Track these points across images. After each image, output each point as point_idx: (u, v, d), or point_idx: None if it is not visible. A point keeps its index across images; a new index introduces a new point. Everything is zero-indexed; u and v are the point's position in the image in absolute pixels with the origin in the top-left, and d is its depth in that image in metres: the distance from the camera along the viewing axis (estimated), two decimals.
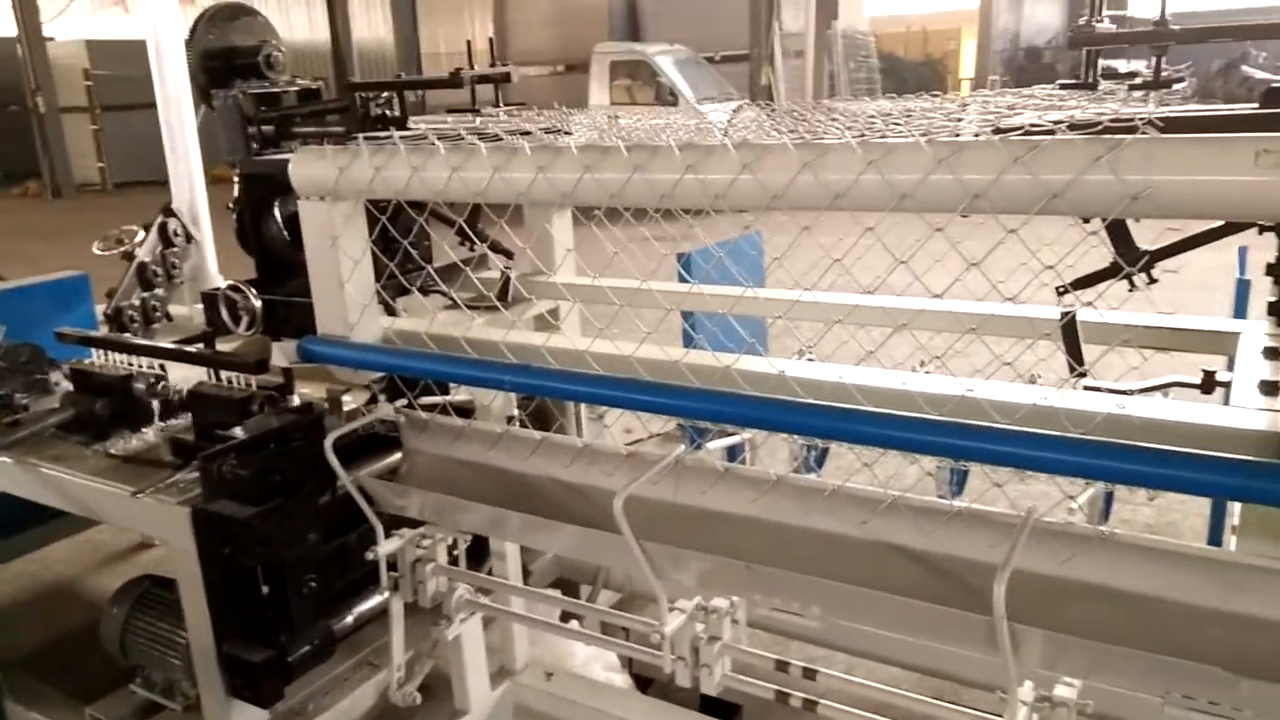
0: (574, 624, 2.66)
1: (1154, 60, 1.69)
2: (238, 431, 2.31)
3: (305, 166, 2.28)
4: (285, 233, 2.82)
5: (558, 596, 2.35)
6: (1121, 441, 1.44)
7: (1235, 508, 2.62)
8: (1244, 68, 21.45)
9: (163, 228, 3.59)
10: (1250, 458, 1.41)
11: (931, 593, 1.69)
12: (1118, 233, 1.82)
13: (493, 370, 2.07)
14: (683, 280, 3.76)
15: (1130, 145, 1.40)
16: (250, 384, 2.62)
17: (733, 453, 3.34)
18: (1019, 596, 1.51)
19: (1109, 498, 2.54)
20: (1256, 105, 1.75)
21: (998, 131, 1.55)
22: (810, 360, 3.33)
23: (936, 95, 2.35)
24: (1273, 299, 1.75)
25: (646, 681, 2.76)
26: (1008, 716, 1.57)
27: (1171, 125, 1.48)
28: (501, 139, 2.13)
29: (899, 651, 2.33)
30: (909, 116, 1.94)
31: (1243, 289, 2.93)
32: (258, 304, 2.68)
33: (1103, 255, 1.88)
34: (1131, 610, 1.57)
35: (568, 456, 2.13)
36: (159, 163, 4.10)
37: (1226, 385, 1.83)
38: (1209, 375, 1.84)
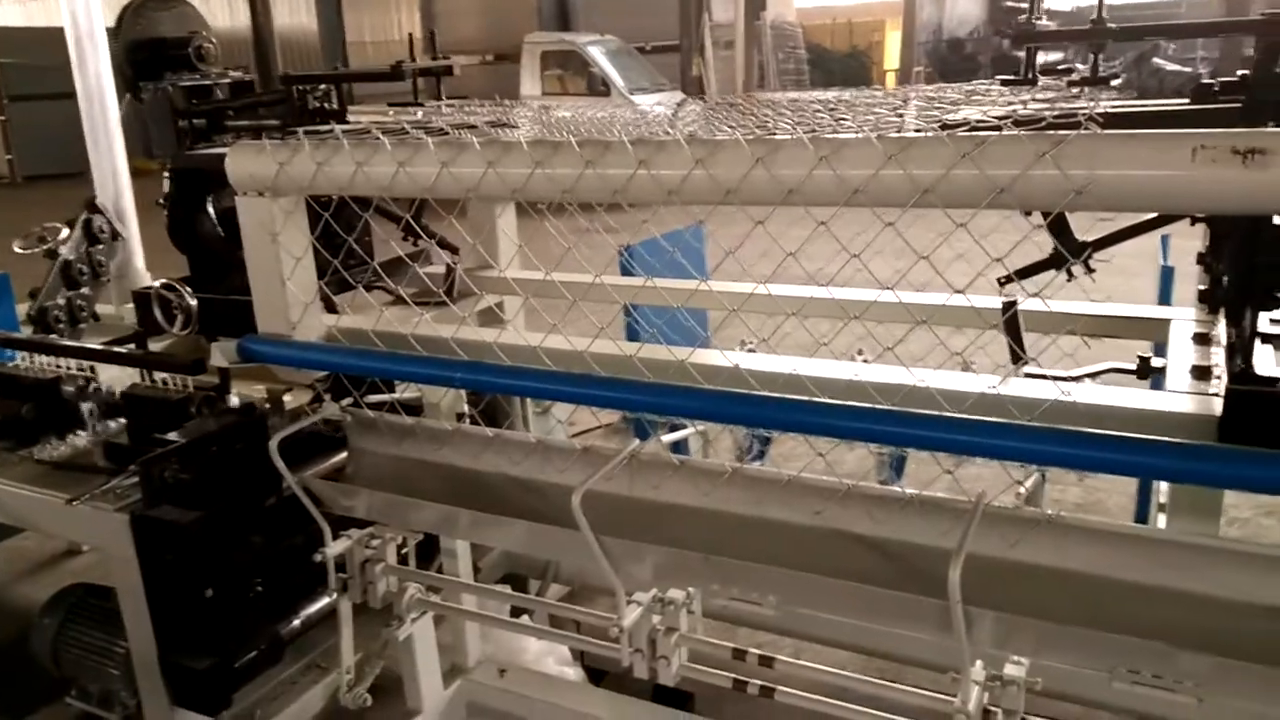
0: (526, 619, 2.66)
1: (1091, 57, 1.75)
2: (177, 435, 2.24)
3: (243, 162, 2.22)
4: (220, 229, 2.74)
5: (512, 593, 2.34)
6: (1068, 428, 1.48)
7: (1162, 486, 2.73)
8: (1155, 60, 22.30)
9: (87, 224, 3.46)
10: (1190, 441, 1.47)
11: (885, 578, 1.73)
12: (1057, 225, 1.87)
13: (442, 367, 2.05)
14: (626, 273, 3.78)
15: (1074, 141, 1.44)
16: (187, 385, 2.55)
17: (678, 445, 3.37)
18: (970, 579, 1.55)
19: (1041, 479, 2.63)
20: (1182, 99, 1.82)
21: (944, 127, 1.58)
22: (752, 351, 3.37)
23: (878, 89, 2.39)
24: (1203, 287, 1.83)
25: (600, 674, 2.76)
26: (961, 696, 1.62)
27: (1110, 121, 1.53)
28: (448, 133, 2.11)
29: (851, 635, 2.38)
30: (854, 111, 1.97)
31: (1167, 276, 3.04)
32: (193, 302, 2.61)
33: (1039, 246, 1.94)
34: (1077, 589, 1.63)
35: (520, 453, 2.13)
36: (71, 155, 3.95)
37: (1160, 370, 1.90)
38: (1144, 361, 1.91)
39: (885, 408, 1.64)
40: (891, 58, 26.55)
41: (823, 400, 1.70)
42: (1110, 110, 1.60)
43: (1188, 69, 20.86)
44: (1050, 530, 1.64)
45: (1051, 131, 1.48)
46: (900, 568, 1.73)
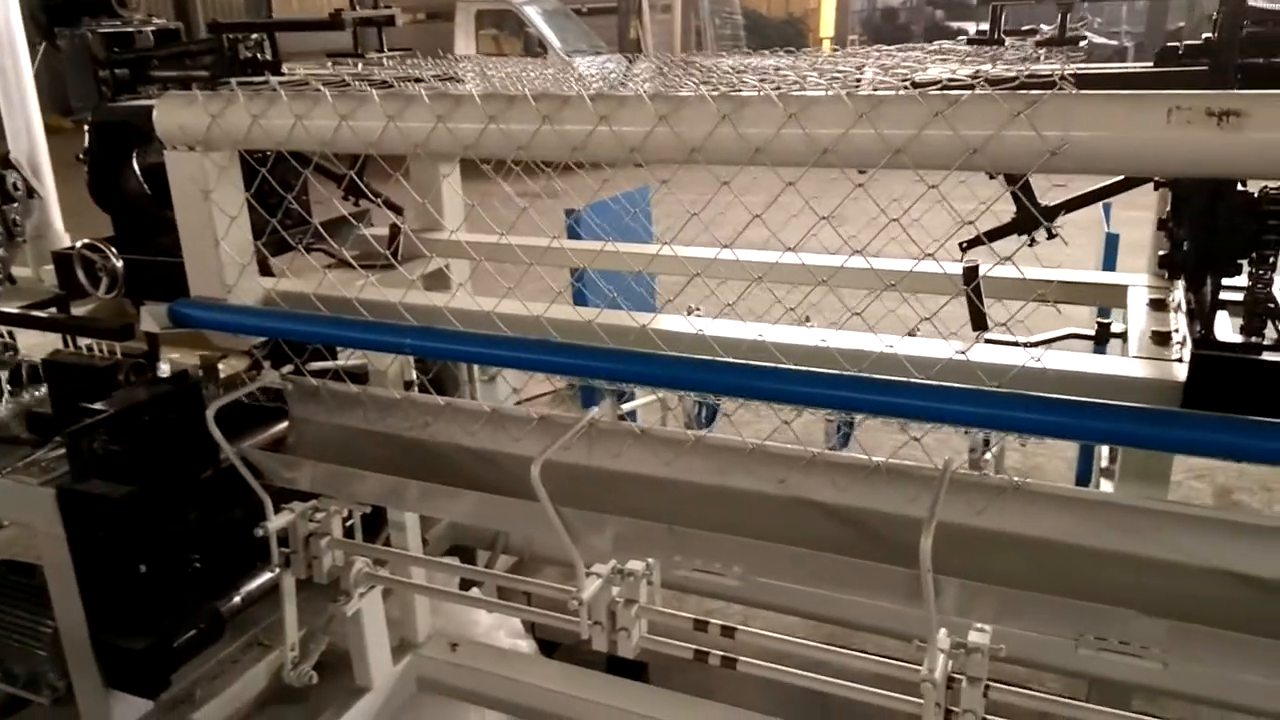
0: (478, 591, 2.60)
1: (1060, 17, 1.72)
2: (105, 404, 2.12)
3: (172, 114, 2.09)
4: (147, 186, 2.59)
5: (464, 566, 2.28)
6: (1040, 394, 1.47)
7: (1103, 451, 2.77)
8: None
9: (0, 181, 3.25)
10: (1158, 406, 1.47)
11: (851, 547, 1.71)
12: (1021, 189, 1.85)
13: (391, 333, 1.96)
14: (572, 236, 3.70)
15: (1049, 101, 1.41)
16: (114, 352, 2.42)
17: (631, 414, 3.32)
18: (936, 546, 1.54)
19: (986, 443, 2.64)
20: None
21: (915, 86, 1.54)
22: (696, 315, 3.32)
23: (837, 49, 2.34)
24: (1163, 252, 1.83)
25: (552, 645, 2.72)
26: (927, 664, 1.61)
27: (1081, 83, 1.50)
28: (392, 86, 2.01)
29: (814, 604, 2.36)
30: (818, 71, 1.92)
31: (1112, 243, 3.07)
32: (119, 264, 2.46)
33: (995, 215, 1.92)
34: (1042, 555, 1.62)
35: (473, 422, 2.05)
36: None
37: (1119, 336, 1.90)
38: (1103, 327, 1.91)
39: (853, 373, 1.60)
40: (827, 25, 26.54)
41: (788, 367, 1.66)
42: (1076, 72, 1.57)
43: (1113, 42, 21.31)
44: (1016, 497, 1.63)
45: (1026, 91, 1.45)
46: (866, 536, 1.71)
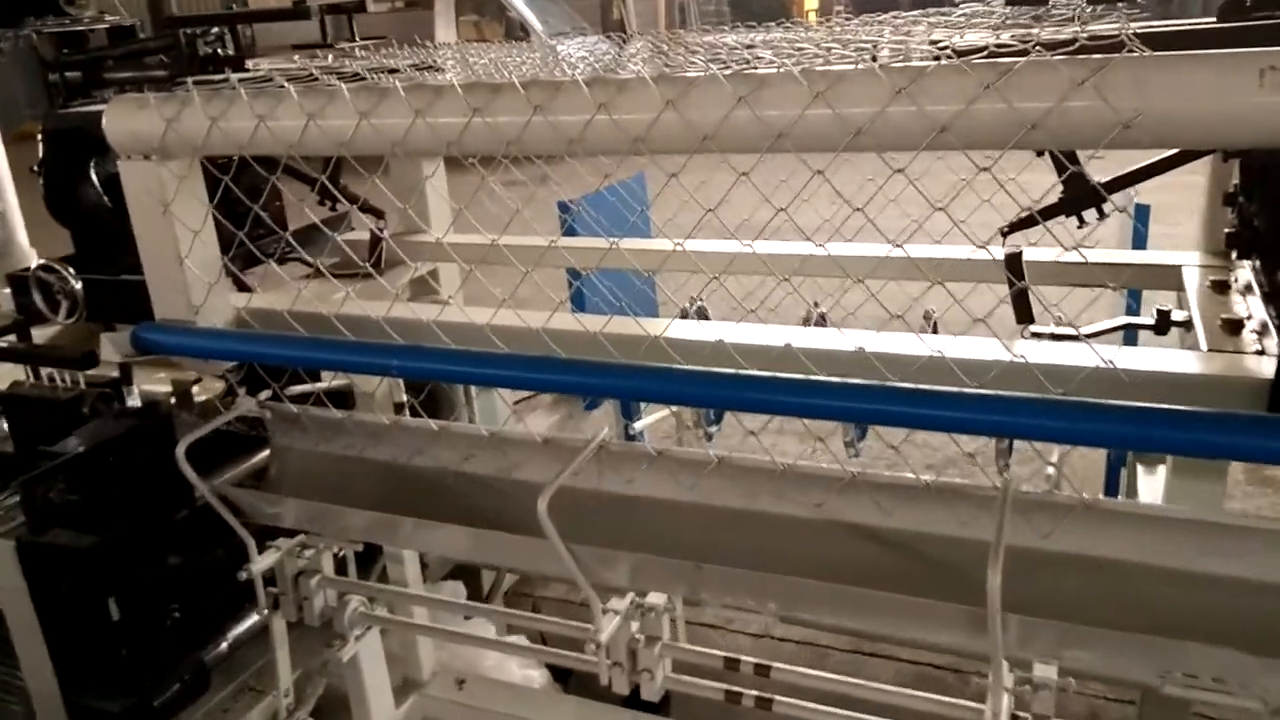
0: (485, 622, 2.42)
1: None
2: (69, 443, 1.93)
3: (123, 119, 1.89)
4: (107, 199, 2.39)
5: (469, 604, 2.09)
6: (1127, 403, 1.28)
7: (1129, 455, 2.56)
8: None
9: None
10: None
11: (899, 575, 1.54)
12: (1067, 167, 1.66)
13: (376, 354, 1.77)
14: (567, 231, 3.49)
15: (1118, 66, 1.22)
16: (78, 382, 2.23)
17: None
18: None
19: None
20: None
21: (959, 54, 1.34)
22: (702, 308, 3.14)
23: (849, 17, 2.14)
24: (1230, 230, 1.64)
25: (566, 673, 2.55)
26: (991, 705, 1.43)
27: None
28: (364, 78, 1.81)
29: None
30: (839, 43, 1.72)
31: (1142, 216, 2.86)
32: (78, 285, 2.27)
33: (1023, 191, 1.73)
34: (1119, 579, 1.44)
35: (471, 447, 1.86)
36: None
37: (1182, 325, 1.72)
38: (1163, 315, 1.72)
39: (901, 385, 1.41)
40: None
41: (823, 379, 1.46)
42: (1139, 31, 1.37)
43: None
44: (1086, 516, 1.44)
45: (1089, 56, 1.25)
46: (917, 562, 1.53)
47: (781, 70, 1.41)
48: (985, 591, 1.36)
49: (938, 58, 1.35)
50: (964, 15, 1.76)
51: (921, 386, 1.38)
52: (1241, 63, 1.18)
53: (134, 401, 2.21)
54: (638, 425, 2.17)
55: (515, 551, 1.71)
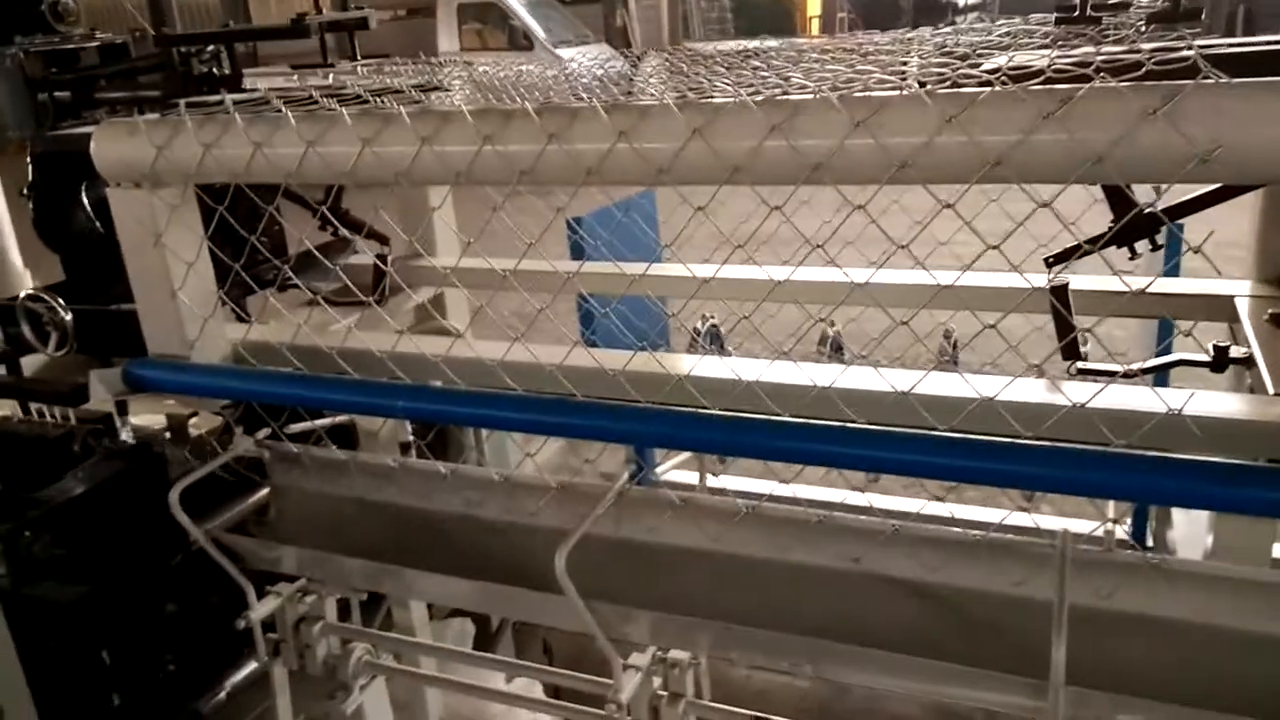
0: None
1: None
2: (56, 489, 1.82)
3: (112, 145, 1.79)
4: (99, 224, 2.29)
5: (480, 655, 1.98)
6: (1202, 459, 1.17)
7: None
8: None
9: None
10: None
11: (946, 635, 1.43)
12: (1117, 193, 1.56)
13: (381, 394, 1.66)
14: (575, 248, 3.39)
15: (1192, 95, 1.11)
16: (69, 418, 2.12)
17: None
18: (1045, 631, 1.25)
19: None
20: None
21: (1015, 78, 1.24)
22: (715, 328, 3.02)
23: (873, 35, 2.04)
24: None
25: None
26: None
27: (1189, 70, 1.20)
28: (367, 101, 1.71)
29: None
30: (874, 60, 1.62)
31: (1174, 244, 2.73)
32: (68, 316, 2.16)
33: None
34: (1188, 643, 1.33)
35: (482, 491, 1.76)
36: None
37: (1241, 362, 1.61)
38: (1221, 351, 1.61)
39: (952, 435, 1.30)
40: (814, 4, 26.11)
41: (860, 426, 1.36)
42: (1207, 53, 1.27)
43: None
44: (1151, 575, 1.33)
45: (1159, 83, 1.15)
46: (965, 622, 1.42)
47: (818, 96, 1.30)
48: (1032, 651, 1.26)
49: (989, 83, 1.24)
50: (1008, 33, 1.65)
51: (970, 437, 1.28)
52: None
53: (127, 436, 2.11)
54: (659, 472, 2.06)
55: (531, 606, 1.60)
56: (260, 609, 1.87)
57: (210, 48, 2.17)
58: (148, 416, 2.25)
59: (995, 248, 1.29)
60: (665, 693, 1.63)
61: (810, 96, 1.31)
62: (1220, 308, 1.81)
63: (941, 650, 1.34)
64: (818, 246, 1.41)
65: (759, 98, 1.34)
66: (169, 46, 2.09)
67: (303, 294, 2.36)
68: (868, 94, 1.30)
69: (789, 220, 1.42)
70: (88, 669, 1.79)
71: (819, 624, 1.45)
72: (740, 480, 2.48)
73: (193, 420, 2.24)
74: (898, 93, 1.27)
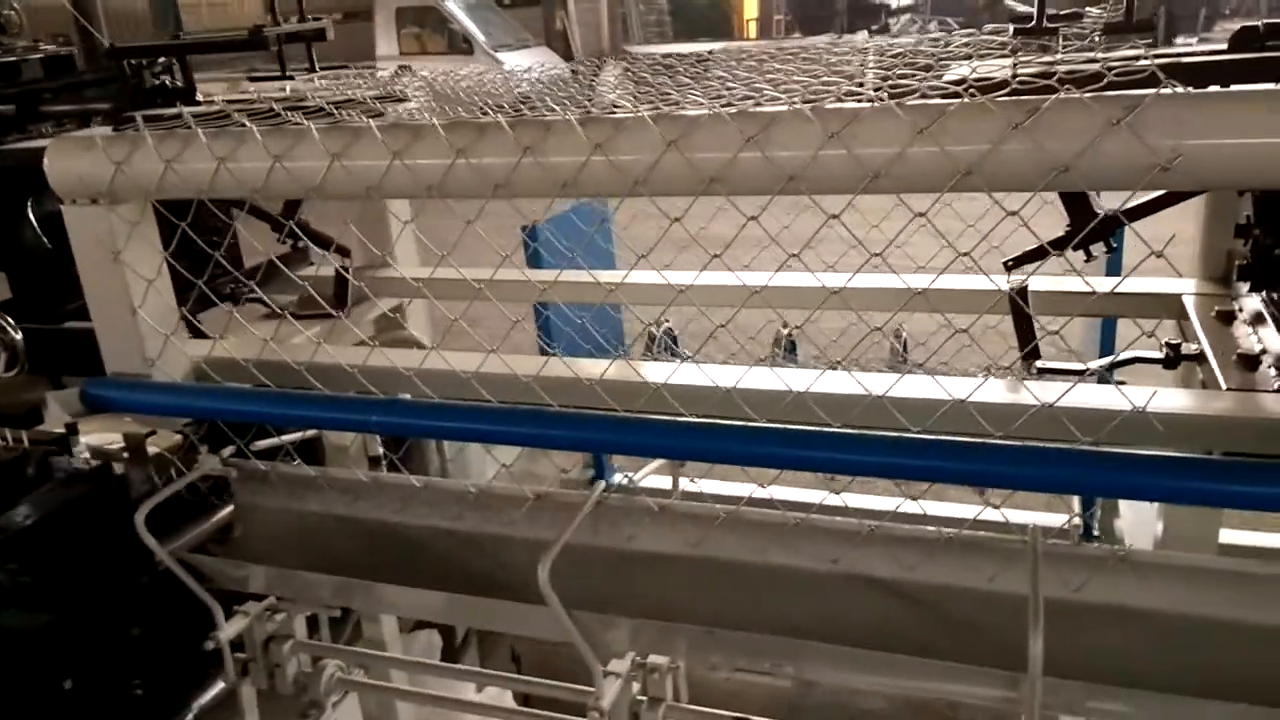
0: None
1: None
2: (12, 517, 1.77)
3: (66, 161, 1.75)
4: (48, 241, 2.24)
5: (454, 667, 1.97)
6: (1171, 455, 1.22)
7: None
8: (1007, 1, 22.84)
9: None
10: None
11: (923, 632, 1.46)
12: (1075, 198, 1.61)
13: (354, 409, 1.65)
14: (530, 254, 3.39)
15: (1153, 105, 1.16)
16: (21, 440, 2.06)
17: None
18: (1018, 625, 1.29)
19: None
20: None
21: (982, 89, 1.27)
22: (670, 333, 3.04)
23: (827, 40, 2.08)
24: (1243, 261, 1.60)
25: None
26: None
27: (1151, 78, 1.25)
28: (333, 114, 1.70)
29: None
30: (833, 69, 1.65)
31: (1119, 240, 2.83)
32: (18, 336, 2.11)
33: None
34: (1154, 631, 1.38)
35: (458, 505, 1.75)
36: None
37: (1193, 359, 1.67)
38: (1173, 348, 1.68)
39: (926, 437, 1.34)
40: (751, 6, 26.37)
41: (838, 430, 1.39)
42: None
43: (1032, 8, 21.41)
44: (1119, 568, 1.38)
45: (1120, 94, 1.19)
46: (941, 619, 1.46)
47: (792, 108, 1.33)
48: (1009, 645, 1.30)
49: (957, 94, 1.28)
50: (966, 44, 1.69)
51: (945, 439, 1.31)
52: None
53: (83, 454, 2.05)
54: (638, 478, 2.06)
55: (509, 617, 1.60)
56: (229, 629, 1.84)
57: (161, 60, 2.13)
58: (98, 436, 2.20)
59: (967, 254, 1.32)
60: (645, 698, 1.65)
61: (784, 109, 1.34)
62: (1170, 306, 1.88)
63: (919, 646, 1.38)
64: (794, 255, 1.44)
65: (732, 110, 1.36)
66: (120, 59, 2.04)
67: (259, 308, 2.34)
68: (840, 106, 1.33)
69: (754, 219, 1.43)
70: (51, 698, 1.74)
71: (800, 624, 1.48)
72: (716, 484, 2.50)
73: (150, 440, 2.19)
74: (870, 104, 1.30)
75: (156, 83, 2.11)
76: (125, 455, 2.07)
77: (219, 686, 2.05)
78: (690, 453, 1.50)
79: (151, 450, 2.12)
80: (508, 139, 1.44)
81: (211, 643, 1.83)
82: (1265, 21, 1.46)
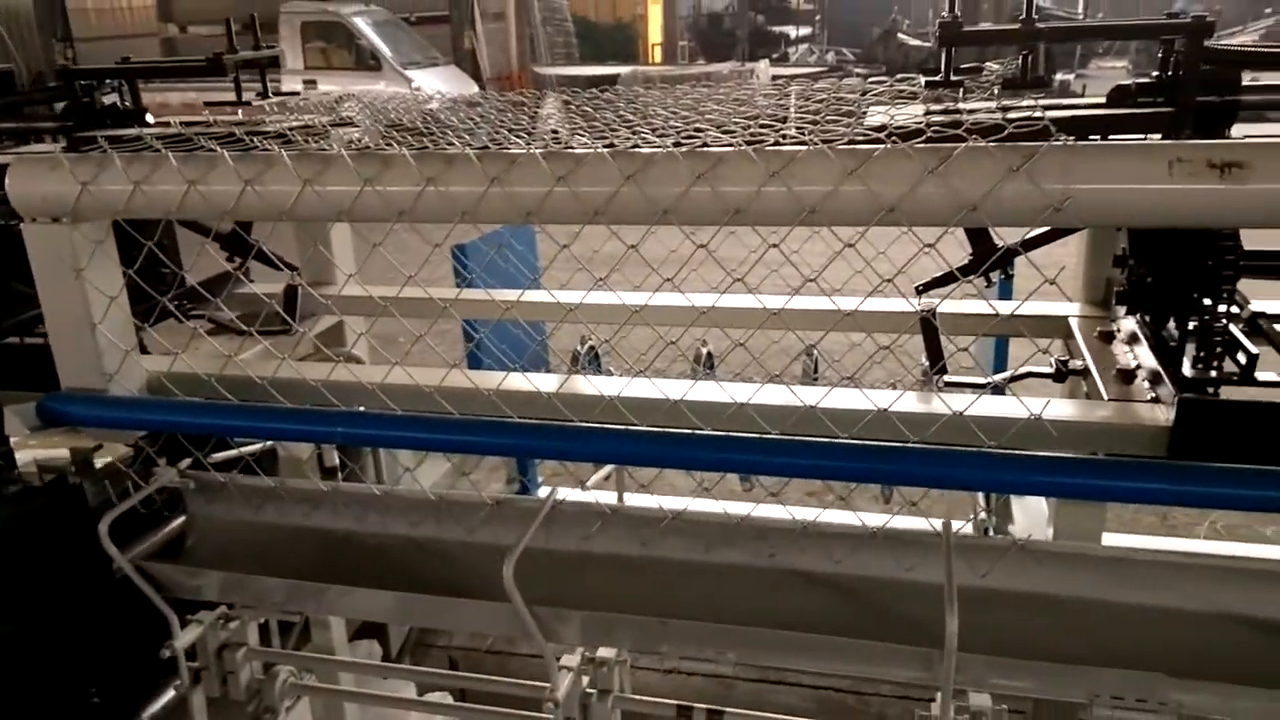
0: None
1: (1023, 58, 1.68)
2: None
3: (30, 181, 1.78)
4: None
5: (411, 669, 2.06)
6: (1043, 454, 1.42)
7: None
8: (900, 35, 23.84)
9: None
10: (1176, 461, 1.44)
11: (852, 619, 1.63)
12: (978, 231, 1.81)
13: (319, 421, 1.73)
14: (459, 274, 3.48)
15: (1047, 154, 1.36)
16: None
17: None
18: (933, 610, 1.47)
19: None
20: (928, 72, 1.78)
21: (907, 136, 1.46)
22: (594, 350, 3.18)
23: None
24: (1120, 288, 1.83)
25: None
26: None
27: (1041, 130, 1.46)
28: (293, 140, 1.79)
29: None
30: (756, 111, 1.82)
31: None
32: None
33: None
34: (1050, 612, 1.58)
35: (416, 512, 1.85)
36: None
37: (1078, 373, 1.89)
38: (1062, 364, 1.90)
39: (850, 441, 1.51)
40: (655, 31, 26.82)
41: (779, 438, 1.55)
42: (1059, 115, 1.53)
43: (928, 44, 22.42)
44: (1020, 556, 1.57)
45: (1019, 144, 1.39)
46: (868, 606, 1.63)
47: (738, 149, 1.49)
48: (926, 627, 1.48)
49: (880, 140, 1.45)
50: (886, 93, 1.89)
51: (866, 443, 1.49)
52: (1154, 154, 1.34)
53: (26, 465, 2.07)
54: (590, 484, 2.18)
55: (474, 616, 1.70)
56: (184, 637, 1.90)
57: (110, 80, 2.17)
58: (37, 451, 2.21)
59: (889, 281, 1.50)
60: (594, 690, 1.78)
61: (730, 149, 1.50)
62: (1058, 327, 2.11)
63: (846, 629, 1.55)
64: (741, 278, 1.59)
65: (683, 149, 1.51)
66: (70, 80, 2.08)
67: (201, 323, 2.38)
68: (778, 148, 1.49)
69: (703, 246, 1.59)
70: (7, 710, 1.77)
71: (740, 615, 1.63)
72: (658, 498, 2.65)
73: (97, 455, 2.22)
74: (804, 148, 1.46)
75: (105, 104, 2.16)
76: (74, 469, 2.10)
77: (170, 694, 2.10)
78: (648, 459, 1.63)
79: (101, 463, 2.15)
80: (476, 170, 1.56)
81: (168, 651, 1.88)
82: (1136, 81, 1.69)
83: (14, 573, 1.77)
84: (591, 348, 3.19)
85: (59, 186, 1.75)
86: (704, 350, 3.08)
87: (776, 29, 29.85)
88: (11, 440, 2.11)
